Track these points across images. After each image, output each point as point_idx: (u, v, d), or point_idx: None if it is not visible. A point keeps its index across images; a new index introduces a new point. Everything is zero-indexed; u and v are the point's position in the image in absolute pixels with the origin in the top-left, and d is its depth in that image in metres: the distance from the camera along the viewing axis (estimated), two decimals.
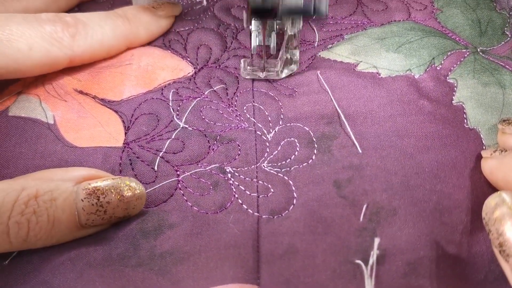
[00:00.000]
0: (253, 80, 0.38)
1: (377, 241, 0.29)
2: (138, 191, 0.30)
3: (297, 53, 0.37)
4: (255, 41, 0.37)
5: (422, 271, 0.29)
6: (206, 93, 0.37)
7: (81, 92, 0.37)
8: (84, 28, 0.35)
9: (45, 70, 0.35)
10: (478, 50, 0.39)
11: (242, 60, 0.37)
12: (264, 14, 0.33)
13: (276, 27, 0.38)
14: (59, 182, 0.29)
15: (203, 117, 0.36)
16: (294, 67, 0.37)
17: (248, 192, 0.33)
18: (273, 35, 0.38)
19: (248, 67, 0.37)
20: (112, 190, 0.29)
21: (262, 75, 0.37)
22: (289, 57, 0.37)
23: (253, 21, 0.37)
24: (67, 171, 0.30)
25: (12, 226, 0.27)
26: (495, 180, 0.32)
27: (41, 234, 0.28)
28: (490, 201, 0.27)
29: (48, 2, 0.38)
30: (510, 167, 0.30)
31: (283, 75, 0.37)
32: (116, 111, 0.36)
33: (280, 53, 0.37)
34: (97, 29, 0.36)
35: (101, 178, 0.30)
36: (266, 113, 0.36)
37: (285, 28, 0.37)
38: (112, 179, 0.30)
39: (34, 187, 0.28)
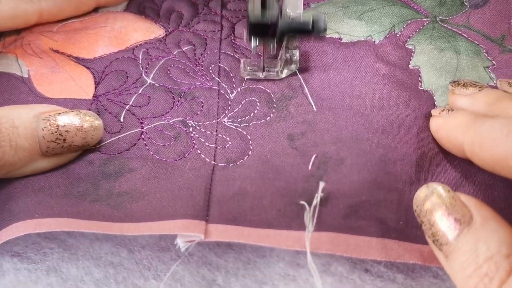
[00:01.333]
0: (220, 42, 0.40)
1: (321, 184, 0.31)
2: (96, 122, 0.33)
3: (297, 53, 0.38)
4: (255, 41, 0.39)
5: (362, 213, 0.30)
6: (175, 53, 0.39)
7: (57, 51, 0.39)
8: None
9: (16, 24, 0.37)
10: (437, 19, 0.41)
11: (242, 60, 0.39)
12: (262, 32, 0.34)
13: None
14: (21, 111, 0.31)
15: (170, 75, 0.38)
16: (294, 67, 0.38)
17: (207, 144, 0.35)
18: (272, 41, 0.39)
19: (248, 67, 0.38)
20: (71, 120, 0.32)
21: (262, 75, 0.38)
22: (289, 57, 0.38)
23: None
24: (29, 107, 0.32)
25: None
26: (440, 138, 0.33)
27: (4, 160, 0.30)
28: (420, 194, 0.28)
29: None
30: (453, 126, 0.32)
31: (283, 75, 0.38)
32: (88, 68, 0.38)
33: (280, 53, 0.38)
34: None
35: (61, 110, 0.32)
36: (231, 74, 0.38)
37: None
38: (71, 111, 0.32)
39: None
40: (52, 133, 0.31)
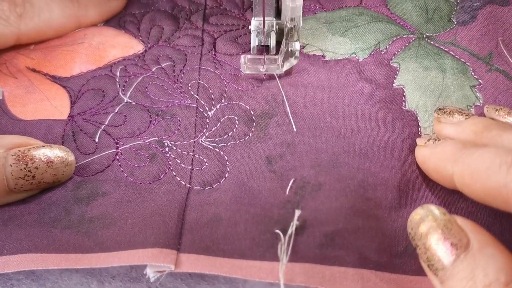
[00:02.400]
0: (200, 57, 0.39)
1: (297, 212, 0.30)
2: (68, 159, 0.31)
3: (297, 45, 0.37)
4: (254, 41, 0.38)
5: (339, 242, 0.30)
6: (153, 69, 0.38)
7: (33, 70, 0.38)
8: (31, 8, 0.36)
9: None
10: (424, 36, 0.40)
11: (242, 56, 0.38)
12: None
13: (276, 27, 0.39)
14: None
15: (147, 92, 0.37)
16: (294, 60, 0.37)
17: (183, 165, 0.34)
18: (273, 35, 0.38)
19: (249, 62, 0.38)
20: (41, 156, 0.30)
21: (262, 69, 0.38)
22: (289, 50, 0.37)
23: (253, 21, 0.38)
24: (0, 137, 0.31)
25: None
26: (427, 169, 0.32)
27: None
28: (415, 216, 0.27)
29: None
30: (441, 157, 0.30)
31: (284, 68, 0.37)
32: (64, 87, 0.37)
33: (281, 46, 0.37)
34: (44, 9, 0.37)
35: (31, 145, 0.31)
36: (210, 91, 0.37)
37: (285, 22, 0.38)
38: (42, 146, 0.31)
39: None
40: (21, 169, 0.30)
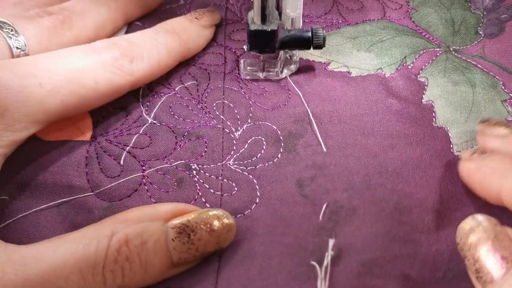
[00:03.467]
0: (224, 76, 0.38)
1: (331, 242, 0.29)
2: (228, 221, 0.29)
3: (296, 53, 0.36)
4: None
5: (377, 271, 0.29)
6: (176, 89, 0.38)
7: None
8: (140, 50, 0.34)
9: (109, 99, 0.34)
10: (451, 49, 0.39)
11: (242, 60, 0.37)
12: (262, 44, 0.34)
13: None
14: (147, 223, 0.28)
15: (172, 113, 0.36)
16: (293, 67, 0.37)
17: (212, 191, 0.33)
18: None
19: (248, 67, 0.37)
20: (202, 226, 0.28)
21: (261, 75, 0.37)
22: (288, 57, 0.37)
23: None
24: (153, 208, 0.29)
25: (107, 275, 0.26)
26: (472, 183, 0.31)
27: (135, 279, 0.27)
28: (464, 226, 0.27)
29: (97, 29, 0.37)
30: (487, 172, 0.29)
31: (283, 75, 0.37)
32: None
33: (280, 53, 0.37)
34: (151, 49, 0.35)
35: (188, 212, 0.29)
36: (236, 111, 0.37)
37: (285, 27, 0.37)
38: (200, 212, 0.29)
39: (123, 232, 0.27)
40: (183, 243, 0.28)
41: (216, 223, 0.28)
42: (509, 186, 0.28)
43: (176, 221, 0.28)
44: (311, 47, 0.35)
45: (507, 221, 0.31)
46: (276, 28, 0.33)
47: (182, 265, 0.28)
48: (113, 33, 0.39)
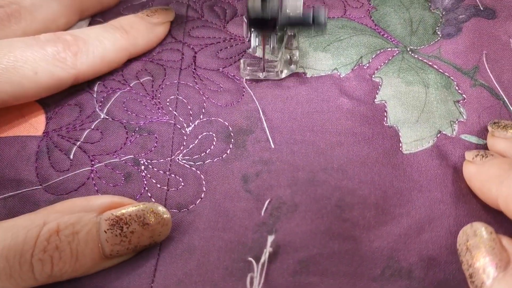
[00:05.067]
0: (180, 72, 0.38)
1: (270, 238, 0.30)
2: (163, 216, 0.29)
3: (297, 53, 0.37)
4: (254, 41, 0.37)
5: (313, 268, 0.29)
6: (131, 85, 0.38)
7: None
8: (84, 45, 0.34)
9: (51, 91, 0.34)
10: (408, 49, 0.39)
11: (241, 61, 0.38)
12: (263, 25, 0.33)
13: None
14: (80, 213, 0.28)
15: (125, 108, 0.36)
16: (294, 67, 0.37)
17: (158, 185, 0.33)
18: (273, 36, 0.38)
19: (248, 68, 0.37)
20: (136, 219, 0.28)
21: (261, 75, 0.37)
22: (289, 57, 0.37)
23: None
24: (88, 200, 0.30)
25: (35, 264, 0.26)
26: (473, 187, 0.32)
27: (66, 268, 0.27)
28: (463, 233, 0.28)
29: (47, 23, 0.37)
30: (486, 177, 0.30)
31: (283, 75, 0.37)
32: (40, 103, 0.37)
33: (280, 53, 0.37)
34: (97, 44, 0.35)
35: (124, 205, 0.29)
36: (189, 107, 0.37)
37: (285, 29, 0.37)
38: (136, 206, 0.29)
39: (55, 221, 0.27)
40: (116, 235, 0.28)
41: (150, 217, 0.29)
42: (504, 195, 0.28)
43: (110, 213, 0.28)
44: (312, 27, 0.34)
45: (444, 223, 0.31)
46: (276, 14, 0.33)
47: (115, 257, 0.29)
48: (66, 28, 0.39)
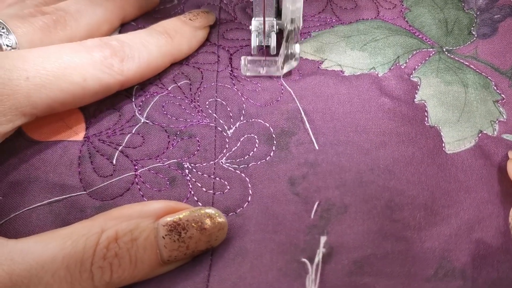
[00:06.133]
0: (217, 74, 0.38)
1: (323, 239, 0.29)
2: (219, 220, 0.29)
3: (297, 48, 0.36)
4: (255, 41, 0.37)
5: (368, 269, 0.29)
6: (169, 88, 0.38)
7: None
8: (130, 51, 0.34)
9: (98, 97, 0.34)
10: (444, 49, 0.39)
11: (242, 58, 0.37)
12: None
13: (276, 27, 0.38)
14: (137, 220, 0.28)
15: (165, 112, 0.36)
16: (294, 62, 0.37)
17: (204, 189, 0.33)
18: (273, 35, 0.38)
19: (249, 64, 0.37)
20: (193, 224, 0.28)
21: (262, 71, 0.37)
22: (289, 52, 0.37)
23: (253, 21, 0.37)
24: (144, 205, 0.29)
25: (95, 271, 0.26)
26: None
27: (125, 275, 0.27)
28: None
29: (91, 29, 0.37)
30: None
31: (284, 70, 0.37)
32: (79, 107, 0.36)
33: (281, 48, 0.37)
34: (142, 50, 0.35)
35: (180, 210, 0.29)
36: (228, 109, 0.37)
37: (285, 24, 0.37)
38: (192, 211, 0.29)
39: (113, 228, 0.27)
40: (174, 241, 0.28)
41: (207, 222, 0.28)
42: None
43: (167, 219, 0.28)
44: None
45: (494, 222, 0.31)
46: None
47: (173, 263, 0.28)
48: (109, 34, 0.39)
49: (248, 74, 0.38)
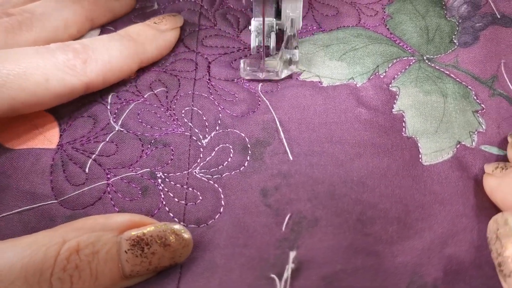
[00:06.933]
0: (194, 82, 0.38)
1: (292, 254, 0.29)
2: (185, 236, 0.29)
3: (296, 53, 0.36)
4: (254, 41, 0.37)
5: (337, 285, 0.28)
6: (145, 96, 0.37)
7: None
8: (93, 53, 0.34)
9: (63, 100, 0.34)
10: (424, 58, 0.39)
11: (241, 61, 0.37)
12: None
13: (276, 28, 0.38)
14: (100, 232, 0.28)
15: (140, 120, 0.36)
16: (293, 67, 0.36)
17: (176, 199, 0.33)
18: (273, 36, 0.37)
19: (248, 68, 0.37)
20: (157, 240, 0.28)
21: (261, 75, 0.37)
22: (288, 57, 0.36)
23: (252, 22, 0.37)
24: (108, 218, 0.29)
25: (55, 283, 0.26)
26: (495, 200, 0.31)
27: (85, 287, 0.26)
28: (493, 221, 0.28)
29: (58, 31, 0.37)
30: (508, 189, 0.30)
31: (283, 75, 0.37)
32: (53, 114, 0.36)
33: (280, 53, 0.37)
34: (104, 53, 0.35)
35: (144, 224, 0.29)
36: (204, 118, 0.36)
37: (285, 29, 0.37)
38: (156, 226, 0.28)
39: (75, 240, 0.27)
40: (137, 256, 0.27)
41: (171, 238, 0.28)
42: None
43: (131, 233, 0.28)
44: None
45: (467, 237, 0.31)
46: None
47: (135, 277, 0.28)
48: (78, 36, 0.39)
49: (247, 78, 0.37)
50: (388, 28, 0.40)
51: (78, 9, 0.38)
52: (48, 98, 0.32)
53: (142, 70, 0.39)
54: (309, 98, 0.37)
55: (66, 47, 0.34)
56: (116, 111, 0.36)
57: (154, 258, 0.28)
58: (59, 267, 0.26)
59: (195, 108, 0.37)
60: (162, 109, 0.37)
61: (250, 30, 0.37)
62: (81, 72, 0.33)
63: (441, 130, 0.35)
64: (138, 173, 0.34)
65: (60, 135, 0.35)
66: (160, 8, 0.43)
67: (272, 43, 0.37)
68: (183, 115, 0.36)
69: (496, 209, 0.32)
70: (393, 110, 0.36)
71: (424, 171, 0.33)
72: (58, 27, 0.37)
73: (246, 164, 0.34)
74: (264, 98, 0.37)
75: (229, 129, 0.36)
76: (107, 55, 0.35)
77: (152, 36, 0.38)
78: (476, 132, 0.35)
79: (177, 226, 0.29)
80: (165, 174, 0.34)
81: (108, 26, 0.41)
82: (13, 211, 0.32)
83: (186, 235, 0.29)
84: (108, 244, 0.27)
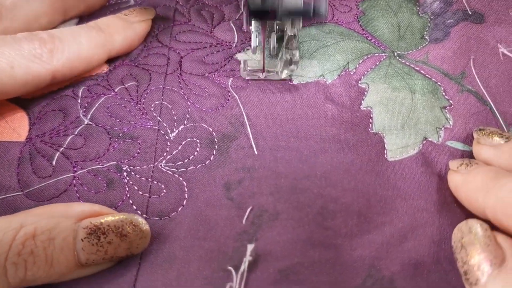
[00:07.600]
0: (165, 77, 0.38)
1: (250, 247, 0.29)
2: (142, 228, 0.29)
3: (297, 53, 0.36)
4: (255, 41, 0.37)
5: (293, 277, 0.29)
6: (116, 90, 0.37)
7: None
8: (60, 43, 0.35)
9: (29, 88, 0.34)
10: (395, 54, 0.39)
11: (242, 61, 0.37)
12: (263, 15, 0.33)
13: (276, 28, 0.38)
14: (59, 219, 0.28)
15: (109, 114, 0.36)
16: (294, 67, 0.36)
17: (140, 192, 0.33)
18: (273, 36, 0.37)
19: (248, 68, 0.37)
20: (114, 230, 0.28)
21: (261, 75, 0.37)
22: (289, 57, 0.36)
23: (253, 22, 0.37)
24: (69, 206, 0.29)
25: (9, 267, 0.26)
26: (459, 197, 0.31)
27: (39, 273, 0.27)
28: (458, 229, 0.28)
29: (28, 22, 0.37)
30: (471, 187, 0.30)
31: (283, 75, 0.37)
32: (24, 108, 0.36)
33: (280, 53, 0.37)
34: (72, 42, 0.35)
35: (103, 215, 0.29)
36: (173, 112, 0.36)
37: (285, 29, 0.37)
38: (115, 216, 0.29)
39: (32, 225, 0.27)
40: (93, 244, 0.28)
41: (128, 229, 0.28)
42: (491, 205, 0.28)
43: (88, 222, 0.28)
44: (312, 14, 0.33)
45: (427, 231, 0.31)
46: (276, 8, 0.32)
47: (92, 266, 0.28)
48: (50, 28, 0.39)
49: (247, 78, 0.37)
50: (360, 25, 0.41)
51: (49, 0, 0.38)
52: (13, 86, 0.33)
53: (114, 64, 0.39)
54: (278, 94, 0.37)
55: (33, 36, 0.34)
56: (86, 105, 0.37)
57: (110, 248, 0.28)
58: (14, 251, 0.26)
59: (165, 102, 0.37)
60: (132, 103, 0.37)
61: (250, 30, 0.37)
62: (47, 61, 0.34)
63: (407, 126, 0.35)
64: (104, 166, 0.34)
65: (30, 129, 0.35)
66: (136, 3, 0.43)
67: (272, 43, 0.37)
68: (152, 109, 0.37)
69: (458, 205, 0.32)
70: (361, 106, 0.36)
71: (389, 166, 0.34)
72: (28, 18, 0.37)
73: (211, 158, 0.34)
74: (234, 93, 0.37)
75: (197, 123, 0.36)
76: (75, 45, 0.35)
77: (121, 27, 0.38)
78: (443, 128, 0.35)
79: (136, 217, 0.29)
80: (131, 168, 0.34)
81: (84, 19, 0.41)
82: None
83: (144, 226, 0.29)
84: (65, 231, 0.28)
